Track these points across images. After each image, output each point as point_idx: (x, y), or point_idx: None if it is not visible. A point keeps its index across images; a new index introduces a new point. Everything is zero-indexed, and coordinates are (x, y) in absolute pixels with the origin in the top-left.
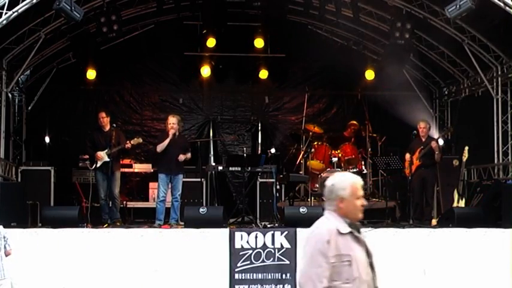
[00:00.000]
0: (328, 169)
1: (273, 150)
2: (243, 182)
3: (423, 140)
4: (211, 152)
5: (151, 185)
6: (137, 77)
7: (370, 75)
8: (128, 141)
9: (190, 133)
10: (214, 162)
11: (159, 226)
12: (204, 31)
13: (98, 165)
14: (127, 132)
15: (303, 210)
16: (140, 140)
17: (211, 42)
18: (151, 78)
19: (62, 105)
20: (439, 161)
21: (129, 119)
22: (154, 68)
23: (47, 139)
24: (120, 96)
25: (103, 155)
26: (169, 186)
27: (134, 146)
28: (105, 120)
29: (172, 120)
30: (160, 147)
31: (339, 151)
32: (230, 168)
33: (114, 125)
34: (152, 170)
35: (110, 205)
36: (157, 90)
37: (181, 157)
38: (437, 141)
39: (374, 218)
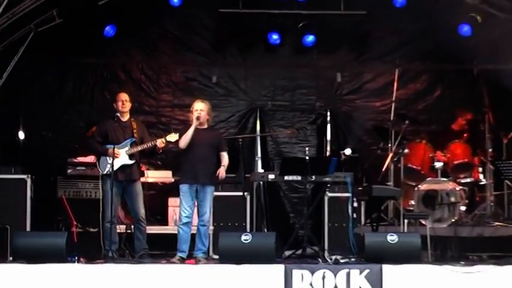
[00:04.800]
0: (429, 178)
1: (347, 151)
2: (304, 197)
3: None
4: (259, 154)
5: (172, 201)
6: (151, 44)
7: (491, 40)
8: (162, 137)
9: (228, 126)
10: (262, 168)
11: (182, 260)
12: None
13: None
14: None
15: (391, 238)
16: (178, 136)
17: None
18: (172, 47)
19: (43, 86)
20: None
21: (140, 105)
22: (176, 31)
23: (21, 134)
24: (126, 72)
25: (121, 154)
26: (196, 202)
27: (166, 146)
28: (126, 105)
29: (200, 106)
30: (183, 141)
31: (444, 152)
32: (286, 178)
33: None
34: (173, 180)
35: (133, 230)
36: (180, 63)
37: (222, 173)
38: None
39: (499, 250)
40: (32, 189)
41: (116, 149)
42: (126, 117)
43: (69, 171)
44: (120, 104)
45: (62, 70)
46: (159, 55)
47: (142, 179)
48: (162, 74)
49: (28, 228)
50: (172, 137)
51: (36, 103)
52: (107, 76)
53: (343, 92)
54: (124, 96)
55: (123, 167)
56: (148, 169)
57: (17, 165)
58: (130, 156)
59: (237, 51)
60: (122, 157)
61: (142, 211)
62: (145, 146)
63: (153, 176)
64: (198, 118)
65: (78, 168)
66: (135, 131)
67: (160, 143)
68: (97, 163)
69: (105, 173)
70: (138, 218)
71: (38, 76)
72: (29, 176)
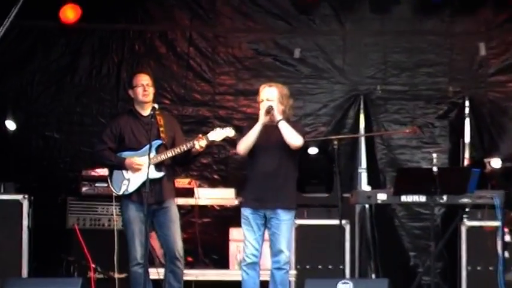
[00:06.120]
0: None
1: (495, 162)
2: (431, 227)
3: None
4: (363, 164)
5: (235, 233)
6: (205, 3)
7: None
8: (199, 137)
9: (318, 123)
10: (369, 184)
11: None
12: None
13: (131, 188)
14: (182, 121)
15: None
16: (230, 133)
17: None
18: (235, 6)
19: (46, 65)
20: None
21: (188, 92)
22: None
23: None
24: (168, 43)
25: (143, 164)
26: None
27: (207, 147)
28: (149, 92)
29: (268, 94)
30: (243, 145)
31: None
32: (403, 199)
33: (156, 105)
34: (237, 202)
35: (165, 273)
36: (248, 31)
37: None
38: None
39: None
40: (30, 216)
41: (137, 159)
42: (148, 110)
43: (84, 189)
44: (140, 90)
45: (74, 41)
46: (216, 19)
47: (191, 201)
48: (221, 46)
49: (24, 273)
50: (218, 135)
51: (35, 90)
52: (139, 49)
53: (489, 71)
54: (145, 79)
55: (150, 184)
56: (200, 186)
57: (9, 181)
58: (158, 167)
59: (332, 13)
60: (145, 169)
61: (179, 245)
62: (178, 149)
63: (207, 196)
64: (268, 111)
65: (97, 185)
66: (162, 129)
67: (197, 147)
68: (109, 180)
69: (121, 193)
70: (173, 255)
71: (38, 51)
72: (26, 196)
